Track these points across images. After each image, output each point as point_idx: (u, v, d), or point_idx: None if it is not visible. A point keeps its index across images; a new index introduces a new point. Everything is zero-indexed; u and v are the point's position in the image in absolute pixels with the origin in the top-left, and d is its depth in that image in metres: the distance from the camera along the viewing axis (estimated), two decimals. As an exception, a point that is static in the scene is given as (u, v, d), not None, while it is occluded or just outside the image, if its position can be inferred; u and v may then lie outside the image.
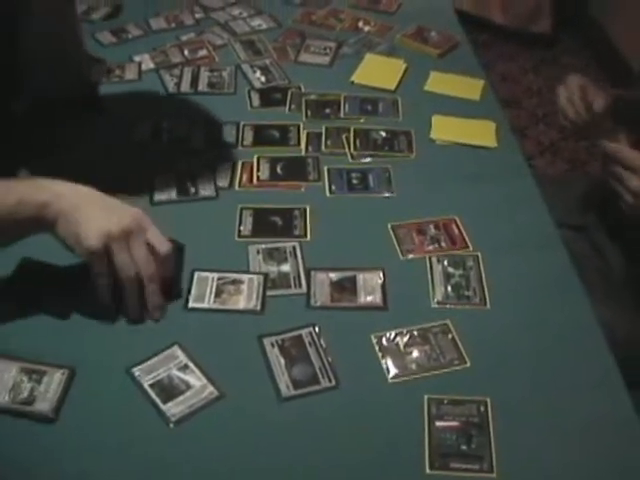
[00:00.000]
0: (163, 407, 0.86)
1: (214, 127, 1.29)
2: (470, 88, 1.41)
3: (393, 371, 0.91)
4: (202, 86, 1.40)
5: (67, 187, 0.94)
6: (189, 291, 0.99)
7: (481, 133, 1.29)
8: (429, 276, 1.03)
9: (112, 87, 1.39)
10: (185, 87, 1.40)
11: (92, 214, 0.91)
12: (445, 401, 0.87)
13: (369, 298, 0.99)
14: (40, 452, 0.82)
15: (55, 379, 0.88)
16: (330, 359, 0.91)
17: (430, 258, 1.05)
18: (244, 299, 0.98)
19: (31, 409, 0.85)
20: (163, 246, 0.96)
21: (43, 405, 0.85)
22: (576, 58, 3.20)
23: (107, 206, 0.95)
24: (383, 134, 1.28)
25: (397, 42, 1.54)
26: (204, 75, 1.43)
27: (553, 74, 3.11)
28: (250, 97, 1.37)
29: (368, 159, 1.23)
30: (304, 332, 0.94)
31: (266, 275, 1.01)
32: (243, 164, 1.21)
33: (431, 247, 1.07)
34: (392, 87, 1.39)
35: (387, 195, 1.17)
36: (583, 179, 1.96)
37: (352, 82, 1.41)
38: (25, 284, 1.00)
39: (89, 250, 0.90)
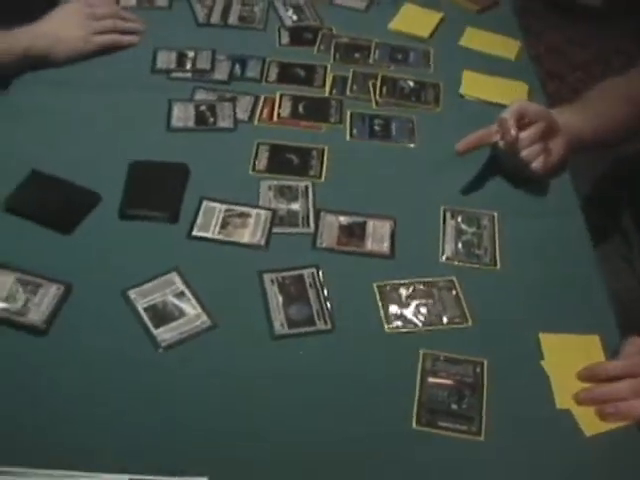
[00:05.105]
0: (154, 332, 0.85)
1: (239, 60, 1.26)
2: (506, 47, 1.36)
3: (391, 321, 0.89)
4: (232, 19, 1.37)
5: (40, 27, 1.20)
6: (195, 219, 0.98)
7: (512, 93, 1.24)
8: (441, 230, 1.00)
9: (142, 13, 1.36)
10: (215, 19, 1.37)
11: (67, 36, 1.21)
12: (441, 357, 0.85)
13: (376, 246, 0.97)
14: (28, 365, 0.82)
15: (50, 292, 0.87)
16: (329, 302, 0.89)
17: (445, 212, 1.02)
18: (249, 233, 0.97)
19: (23, 320, 0.85)
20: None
21: (35, 316, 0.85)
22: (625, 33, 3.11)
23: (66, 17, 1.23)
24: (411, 84, 1.24)
25: (437, -7, 1.49)
26: (236, 8, 1.39)
27: (600, 49, 3.03)
28: (280, 34, 1.34)
29: (393, 107, 1.19)
30: (306, 272, 0.92)
31: (274, 211, 0.99)
32: (265, 100, 1.19)
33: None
34: (426, 35, 1.35)
35: (408, 145, 1.14)
36: (612, 155, 1.91)
37: (388, 29, 1.37)
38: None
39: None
